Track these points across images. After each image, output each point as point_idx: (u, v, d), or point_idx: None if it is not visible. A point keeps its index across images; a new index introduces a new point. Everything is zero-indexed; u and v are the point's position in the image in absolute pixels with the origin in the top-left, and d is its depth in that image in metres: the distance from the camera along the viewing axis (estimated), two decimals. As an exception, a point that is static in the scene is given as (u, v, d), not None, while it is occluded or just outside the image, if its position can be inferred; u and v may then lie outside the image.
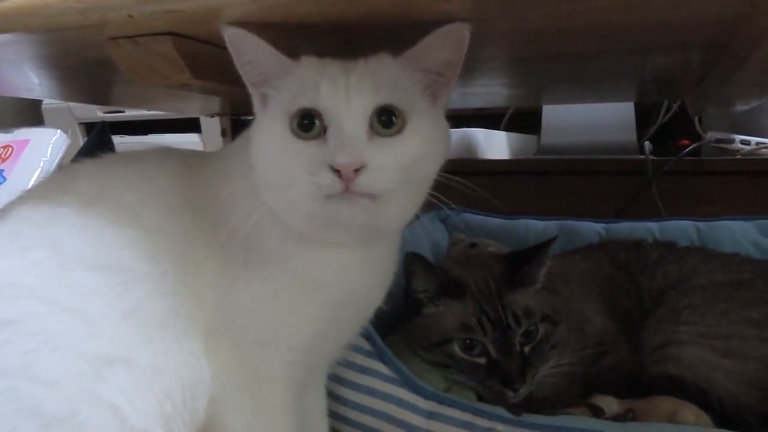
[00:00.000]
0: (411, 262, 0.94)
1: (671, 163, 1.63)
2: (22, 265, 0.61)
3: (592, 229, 1.40)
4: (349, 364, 0.87)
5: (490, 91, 1.24)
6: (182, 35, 0.69)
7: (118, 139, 1.40)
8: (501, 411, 0.80)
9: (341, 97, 0.59)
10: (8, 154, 1.64)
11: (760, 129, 1.72)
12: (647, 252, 1.17)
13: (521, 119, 2.08)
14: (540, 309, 0.94)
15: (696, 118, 1.69)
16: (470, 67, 0.66)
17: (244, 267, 0.66)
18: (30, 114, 2.39)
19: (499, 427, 0.78)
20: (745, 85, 0.89)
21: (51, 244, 0.63)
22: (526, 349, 0.91)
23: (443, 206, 0.64)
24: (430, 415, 0.81)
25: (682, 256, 1.13)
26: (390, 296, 0.76)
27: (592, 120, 1.87)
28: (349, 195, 0.57)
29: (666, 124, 1.86)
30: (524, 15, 0.64)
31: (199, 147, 2.23)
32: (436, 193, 0.67)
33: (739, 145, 1.66)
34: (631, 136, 1.86)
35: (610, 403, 0.87)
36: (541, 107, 1.94)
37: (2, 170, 1.61)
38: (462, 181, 0.65)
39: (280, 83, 0.63)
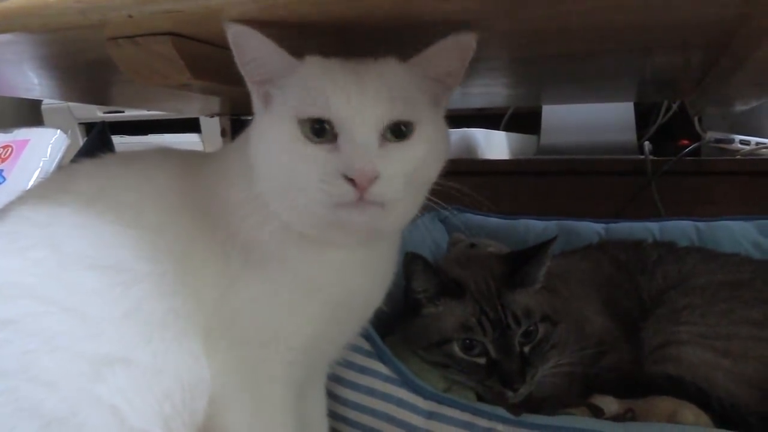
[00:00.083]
0: (411, 263, 0.94)
1: (671, 163, 1.63)
2: (22, 265, 0.61)
3: (591, 229, 1.40)
4: (349, 364, 0.87)
5: (490, 91, 1.24)
6: (182, 35, 0.69)
7: (117, 139, 1.41)
8: (501, 411, 0.80)
9: (354, 108, 0.59)
10: (8, 154, 1.64)
11: (759, 129, 1.72)
12: (647, 252, 1.17)
13: (521, 119, 2.08)
14: (540, 309, 0.94)
15: (696, 118, 1.69)
16: (470, 67, 0.66)
17: (243, 267, 0.66)
18: (30, 114, 2.39)
19: (499, 427, 0.78)
20: (744, 85, 0.89)
21: (51, 244, 0.63)
22: (526, 349, 0.91)
23: (442, 207, 0.65)
24: (430, 415, 0.81)
25: (682, 256, 1.13)
26: (389, 296, 0.76)
27: (592, 120, 1.87)
28: (362, 203, 0.58)
29: (666, 124, 1.86)
30: (524, 15, 0.64)
31: (199, 147, 2.23)
32: (433, 198, 0.68)
33: (739, 145, 1.66)
34: (630, 136, 1.86)
35: (609, 403, 0.87)
36: (540, 107, 1.94)
37: (2, 170, 1.61)
38: (455, 185, 0.66)
39: (285, 83, 0.63)
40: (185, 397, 0.64)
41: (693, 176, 1.64)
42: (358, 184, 0.57)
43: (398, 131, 0.61)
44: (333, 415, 0.85)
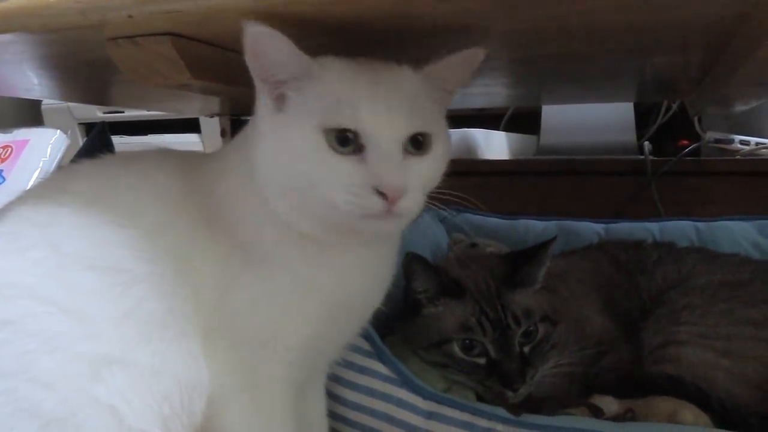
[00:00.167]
0: (411, 263, 0.94)
1: (671, 164, 1.63)
2: (22, 265, 0.61)
3: (591, 229, 1.40)
4: (349, 364, 0.87)
5: (490, 91, 1.24)
6: (182, 35, 0.69)
7: (117, 140, 1.40)
8: (500, 411, 0.80)
9: (384, 121, 0.60)
10: (8, 154, 1.64)
11: (759, 129, 1.72)
12: (647, 252, 1.17)
13: (521, 119, 2.07)
14: (539, 309, 0.94)
15: (695, 119, 1.69)
16: (470, 68, 0.66)
17: (243, 267, 0.66)
18: (29, 114, 2.39)
19: (499, 427, 0.78)
20: (744, 85, 0.89)
21: (50, 244, 0.63)
22: (526, 349, 0.91)
23: (441, 207, 0.65)
24: (429, 415, 0.81)
25: (682, 257, 1.13)
26: (388, 297, 0.76)
27: (592, 120, 1.87)
28: (389, 215, 0.59)
29: (665, 125, 1.86)
30: (524, 15, 0.64)
31: (199, 147, 2.23)
32: (432, 202, 0.68)
33: (739, 146, 1.66)
34: (630, 136, 1.86)
35: (609, 404, 0.87)
36: (540, 107, 1.94)
37: (2, 170, 1.61)
38: (449, 191, 0.66)
39: (304, 86, 0.61)
40: (184, 397, 0.64)
41: (693, 176, 1.64)
42: (389, 198, 0.57)
43: (417, 143, 0.62)
44: (332, 415, 0.85)
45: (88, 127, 2.35)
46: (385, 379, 0.85)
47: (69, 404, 0.58)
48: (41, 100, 2.35)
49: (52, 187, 0.71)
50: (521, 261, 0.97)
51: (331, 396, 0.86)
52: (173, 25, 0.65)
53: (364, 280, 0.71)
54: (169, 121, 2.22)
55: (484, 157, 1.93)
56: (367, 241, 0.68)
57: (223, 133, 1.47)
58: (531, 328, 0.92)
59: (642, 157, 1.68)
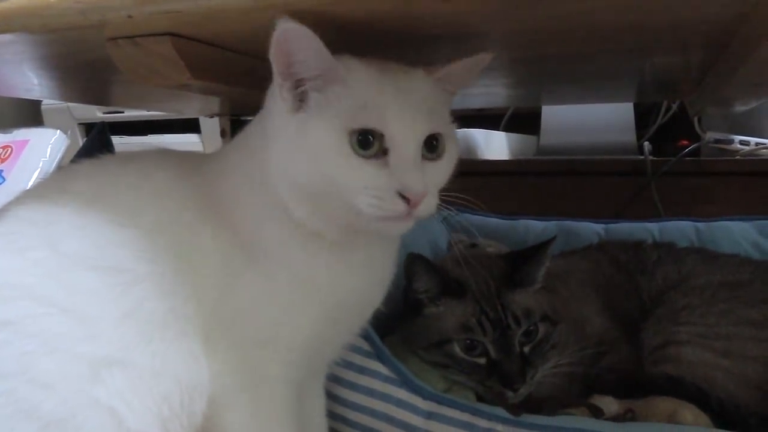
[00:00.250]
0: (413, 263, 0.94)
1: (670, 164, 1.63)
2: (21, 266, 0.61)
3: (591, 229, 1.40)
4: (348, 365, 0.87)
5: (490, 91, 1.24)
6: (182, 36, 0.69)
7: (117, 140, 1.40)
8: (500, 411, 0.80)
9: (407, 125, 0.60)
10: (7, 154, 1.64)
11: (759, 129, 1.72)
12: (647, 253, 1.17)
13: (521, 120, 2.07)
14: (539, 309, 0.94)
15: (695, 119, 1.69)
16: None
17: (244, 267, 0.66)
18: (29, 114, 2.39)
19: (499, 427, 0.78)
20: (744, 85, 0.89)
21: (50, 244, 0.63)
22: (526, 349, 0.91)
23: (445, 207, 0.66)
24: (429, 416, 0.81)
25: (682, 257, 1.13)
26: (389, 297, 0.76)
27: (592, 120, 1.87)
28: (408, 218, 0.60)
29: (665, 125, 1.86)
30: (524, 15, 0.64)
31: (199, 147, 2.23)
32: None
33: (739, 146, 1.65)
34: (630, 136, 1.86)
35: (609, 404, 0.87)
36: (540, 108, 1.94)
37: (2, 170, 1.61)
38: (450, 192, 0.67)
39: (329, 87, 0.61)
40: (184, 398, 0.64)
41: (693, 177, 1.64)
42: (411, 202, 0.59)
43: (431, 145, 0.63)
44: (332, 416, 0.85)
45: (88, 127, 2.35)
46: (385, 379, 0.85)
47: (69, 405, 0.58)
48: (41, 100, 2.35)
49: (51, 188, 0.71)
50: (521, 261, 0.97)
51: (331, 396, 0.86)
52: (173, 25, 0.65)
53: (366, 279, 0.71)
54: (169, 122, 2.22)
55: (484, 158, 1.92)
56: (371, 240, 0.68)
57: (223, 134, 1.47)
58: (531, 328, 0.92)
59: (642, 157, 1.68)
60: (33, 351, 0.58)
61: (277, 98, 0.62)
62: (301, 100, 0.61)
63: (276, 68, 0.60)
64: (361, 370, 0.87)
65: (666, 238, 1.28)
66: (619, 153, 1.80)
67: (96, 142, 1.30)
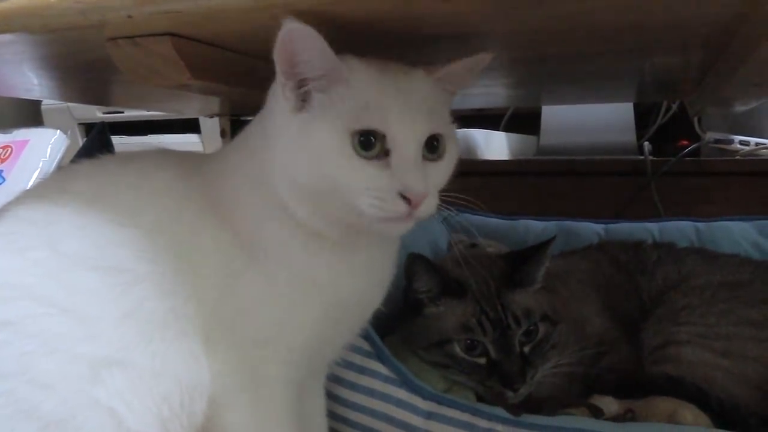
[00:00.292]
0: (413, 263, 0.94)
1: (670, 164, 1.63)
2: (21, 266, 0.61)
3: (591, 229, 1.40)
4: (348, 365, 0.87)
5: (490, 91, 1.24)
6: (182, 36, 0.68)
7: (117, 140, 1.40)
8: (500, 411, 0.80)
9: (409, 126, 0.61)
10: (7, 154, 1.64)
11: (759, 129, 1.72)
12: (647, 253, 1.17)
13: (520, 120, 2.07)
14: (539, 309, 0.94)
15: (695, 119, 1.69)
16: (470, 68, 0.67)
17: (245, 267, 0.66)
18: (29, 114, 2.39)
19: (499, 427, 0.78)
20: (744, 85, 0.89)
21: (50, 244, 0.62)
22: (526, 349, 0.91)
23: (445, 207, 0.66)
24: (429, 416, 0.81)
25: (682, 257, 1.13)
26: (389, 297, 0.76)
27: (592, 121, 1.87)
28: (409, 218, 0.60)
29: (665, 125, 1.86)
30: (524, 15, 0.64)
31: (199, 147, 2.23)
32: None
33: (738, 146, 1.65)
34: (630, 136, 1.86)
35: (609, 404, 0.87)
36: (540, 108, 1.94)
37: (1, 171, 1.61)
38: (449, 192, 0.67)
39: (332, 88, 0.61)
40: (184, 398, 0.64)
41: (692, 177, 1.64)
42: (413, 203, 0.59)
43: (432, 146, 0.63)
44: (332, 416, 0.85)
45: (88, 128, 2.35)
46: (385, 379, 0.85)
47: (68, 406, 0.58)
48: (41, 100, 2.35)
49: (51, 188, 0.71)
50: (520, 261, 0.97)
51: (331, 396, 0.86)
52: (173, 25, 0.65)
53: (366, 280, 0.71)
54: (168, 122, 2.22)
55: (484, 158, 1.92)
56: (372, 241, 0.68)
57: (222, 134, 1.47)
58: (531, 328, 0.92)
59: (642, 157, 1.68)
60: (33, 351, 0.58)
61: (280, 97, 0.62)
62: (303, 100, 0.61)
63: (279, 67, 0.60)
64: (361, 370, 0.87)
65: (666, 238, 1.28)
66: (619, 153, 1.80)
67: (96, 142, 1.30)
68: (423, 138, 0.62)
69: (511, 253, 1.08)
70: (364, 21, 0.64)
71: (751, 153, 1.65)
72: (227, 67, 0.77)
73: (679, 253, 1.15)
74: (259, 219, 0.67)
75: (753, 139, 1.65)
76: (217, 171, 0.71)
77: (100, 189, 0.68)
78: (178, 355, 0.63)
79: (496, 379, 0.89)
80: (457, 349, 0.91)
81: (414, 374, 0.86)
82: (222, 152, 0.77)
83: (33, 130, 1.71)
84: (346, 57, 0.62)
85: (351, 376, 0.87)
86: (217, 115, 1.44)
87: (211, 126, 2.14)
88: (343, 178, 0.59)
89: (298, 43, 0.57)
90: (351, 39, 0.65)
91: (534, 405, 0.87)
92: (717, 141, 1.67)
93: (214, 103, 1.20)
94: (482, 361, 0.90)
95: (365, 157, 0.60)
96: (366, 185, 0.59)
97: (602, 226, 1.41)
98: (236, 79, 0.80)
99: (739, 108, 1.22)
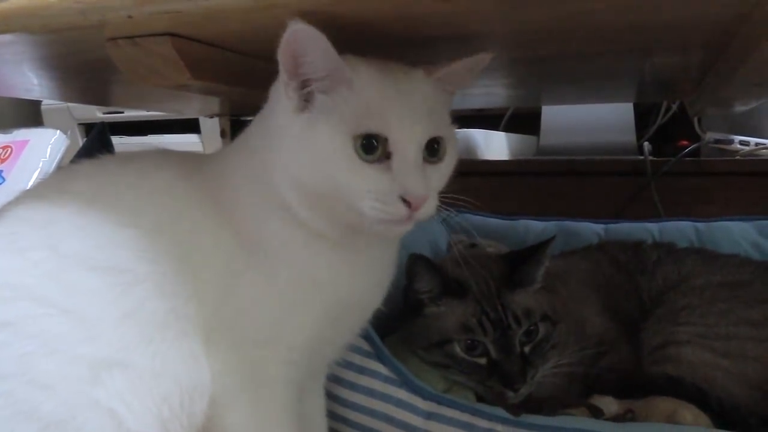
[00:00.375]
0: (414, 264, 0.94)
1: (670, 164, 1.63)
2: (21, 266, 0.61)
3: (591, 229, 1.40)
4: (348, 365, 0.87)
5: (490, 91, 1.24)
6: (182, 36, 0.68)
7: (117, 140, 1.40)
8: (500, 411, 0.80)
9: (410, 129, 0.61)
10: (7, 154, 1.64)
11: (759, 130, 1.72)
12: (646, 253, 1.17)
13: (520, 120, 2.07)
14: (539, 309, 0.94)
15: (695, 119, 1.69)
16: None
17: (246, 266, 0.66)
18: (29, 114, 2.39)
19: (499, 427, 0.78)
20: (744, 85, 0.89)
21: (50, 244, 0.62)
22: (526, 349, 0.91)
23: (445, 207, 0.66)
24: (429, 416, 0.81)
25: (681, 257, 1.13)
26: (389, 297, 0.76)
27: (592, 121, 1.87)
28: (409, 220, 0.61)
29: (665, 125, 1.86)
30: (524, 16, 0.64)
31: (199, 148, 2.23)
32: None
33: (738, 146, 1.66)
34: (630, 136, 1.86)
35: (609, 404, 0.87)
36: (540, 108, 1.94)
37: (1, 171, 1.61)
38: (448, 194, 0.68)
39: (334, 88, 0.61)
40: (184, 398, 0.64)
41: (692, 177, 1.64)
42: (413, 205, 0.59)
43: (432, 148, 0.63)
44: (332, 416, 0.85)
45: (88, 128, 2.35)
46: (385, 379, 0.85)
47: (68, 406, 0.58)
48: (41, 101, 2.35)
49: (51, 188, 0.71)
50: (520, 261, 0.97)
51: (331, 396, 0.86)
52: (173, 25, 0.65)
53: (366, 279, 0.72)
54: (168, 122, 2.22)
55: (484, 158, 1.92)
56: (372, 241, 0.68)
57: (222, 134, 1.47)
58: (531, 328, 0.92)
59: (642, 157, 1.68)
60: (33, 352, 0.58)
61: (282, 97, 0.62)
62: (306, 100, 0.62)
63: (283, 67, 0.60)
64: (361, 371, 0.87)
65: (666, 238, 1.28)
66: (619, 153, 1.80)
67: (96, 142, 1.30)
68: (424, 141, 0.62)
69: (510, 253, 1.08)
70: (364, 21, 0.64)
71: (751, 153, 1.65)
72: (227, 67, 0.77)
73: (679, 254, 1.15)
74: (259, 219, 0.67)
75: (753, 139, 1.65)
76: (218, 171, 0.70)
77: (100, 189, 0.68)
78: (178, 355, 0.63)
79: (497, 379, 0.89)
80: (458, 349, 0.91)
81: (414, 374, 0.86)
82: (222, 152, 0.77)
83: (33, 130, 1.71)
84: (348, 57, 0.62)
85: (351, 376, 0.87)
86: (217, 115, 1.44)
87: (211, 126, 2.14)
88: (344, 181, 0.60)
89: (303, 44, 0.58)
90: (351, 39, 0.65)
91: (534, 405, 0.87)
92: (717, 141, 1.67)
93: (214, 103, 1.20)
94: (482, 361, 0.90)
95: (367, 161, 0.60)
96: (368, 188, 0.60)
97: (602, 226, 1.41)
98: (236, 79, 0.80)
99: (739, 108, 1.22)
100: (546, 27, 0.69)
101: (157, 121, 2.25)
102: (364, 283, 0.71)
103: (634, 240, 1.23)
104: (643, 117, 1.90)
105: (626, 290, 1.11)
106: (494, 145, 1.99)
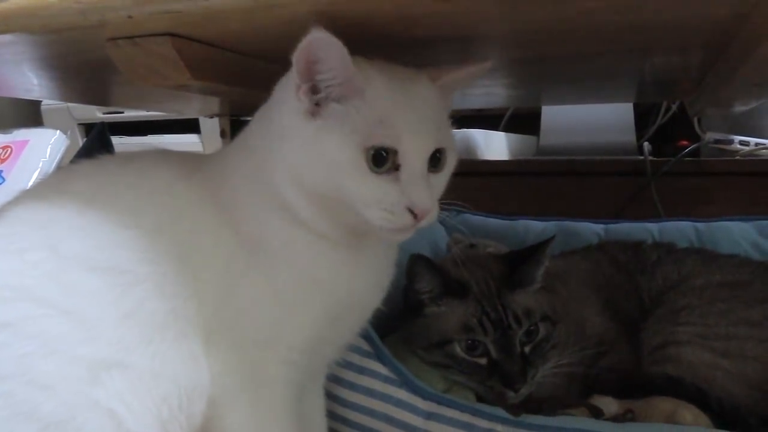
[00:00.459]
0: (415, 264, 0.94)
1: (670, 164, 1.63)
2: (20, 267, 0.61)
3: (591, 229, 1.40)
4: (348, 365, 0.87)
5: (490, 91, 1.24)
6: (181, 36, 0.68)
7: (117, 140, 1.40)
8: (500, 411, 0.80)
9: (419, 142, 0.62)
10: (7, 154, 1.64)
11: (759, 130, 1.72)
12: (646, 253, 1.17)
13: (520, 120, 2.07)
14: (539, 309, 0.94)
15: (695, 119, 1.69)
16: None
17: (246, 266, 0.66)
18: (29, 114, 2.39)
19: (499, 427, 0.78)
20: (744, 85, 0.89)
21: (49, 245, 0.62)
22: (527, 349, 0.91)
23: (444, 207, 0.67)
24: (429, 416, 0.81)
25: (681, 257, 1.13)
26: (388, 297, 0.76)
27: (592, 121, 1.87)
28: (413, 228, 0.63)
29: (665, 125, 1.86)
30: (524, 16, 0.64)
31: (199, 148, 2.23)
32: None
33: (738, 146, 1.65)
34: (630, 136, 1.86)
35: (609, 404, 0.87)
36: (540, 108, 1.94)
37: (1, 171, 1.61)
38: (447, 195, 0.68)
39: (348, 99, 0.61)
40: (183, 399, 0.64)
41: (692, 177, 1.64)
42: (419, 216, 0.61)
43: (434, 158, 0.64)
44: (332, 416, 0.85)
45: (88, 128, 2.35)
46: (385, 379, 0.85)
47: (68, 407, 0.58)
48: (41, 101, 2.35)
49: (50, 188, 0.71)
50: (519, 261, 0.97)
51: (331, 396, 0.86)
52: (173, 25, 0.65)
53: (367, 280, 0.72)
54: (168, 122, 2.22)
55: (484, 158, 1.92)
56: (373, 242, 0.69)
57: (222, 134, 1.47)
58: (532, 328, 0.92)
59: (642, 157, 1.68)
60: (32, 352, 0.58)
61: (290, 98, 0.62)
62: (317, 105, 0.62)
63: (297, 70, 0.60)
64: (361, 371, 0.87)
65: (666, 238, 1.28)
66: (619, 153, 1.80)
67: (96, 142, 1.30)
68: (430, 153, 0.63)
69: (510, 253, 1.08)
70: (365, 21, 0.63)
71: (751, 153, 1.65)
72: (227, 67, 0.77)
73: (678, 254, 1.15)
74: (259, 218, 0.67)
75: (753, 139, 1.65)
76: (218, 170, 0.70)
77: (100, 189, 0.68)
78: (177, 356, 0.63)
79: (497, 379, 0.89)
80: (458, 350, 0.91)
81: (414, 374, 0.86)
82: (222, 152, 0.77)
83: (33, 130, 1.71)
84: (358, 61, 0.62)
85: (350, 376, 0.87)
86: (217, 115, 1.44)
87: (211, 126, 2.14)
88: (354, 190, 0.60)
89: (322, 52, 0.58)
90: (351, 39, 0.65)
91: (534, 405, 0.87)
92: (717, 141, 1.67)
93: (214, 103, 1.20)
94: (483, 361, 0.90)
95: (376, 172, 0.61)
96: (377, 199, 0.61)
97: (602, 226, 1.40)
98: (236, 79, 0.80)
99: (739, 108, 1.22)
100: (546, 27, 0.69)
101: (157, 121, 2.25)
102: (364, 283, 0.71)
103: (634, 240, 1.23)
104: (643, 117, 1.90)
105: (626, 290, 1.11)
106: (494, 145, 1.99)
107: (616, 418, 0.84)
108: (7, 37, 0.69)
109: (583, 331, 1.02)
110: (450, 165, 0.67)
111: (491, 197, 1.50)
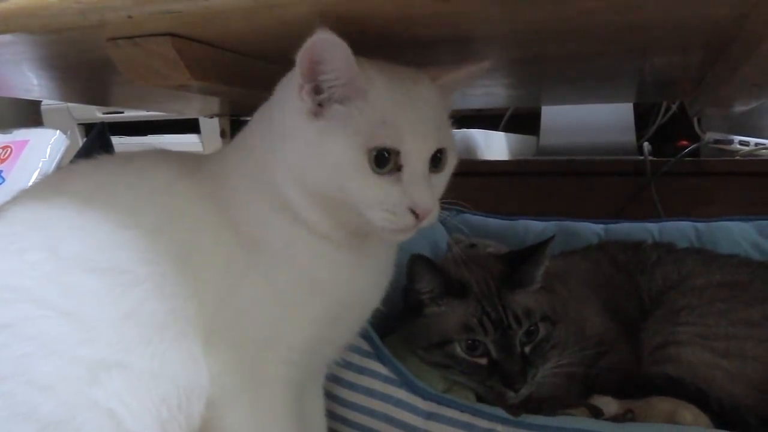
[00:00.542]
0: (415, 264, 0.94)
1: (670, 164, 1.63)
2: (19, 268, 0.61)
3: (591, 229, 1.39)
4: (348, 365, 0.87)
5: (490, 91, 1.24)
6: (181, 36, 0.68)
7: (116, 140, 1.40)
8: (500, 411, 0.80)
9: (421, 143, 0.62)
10: (7, 154, 1.64)
11: (759, 130, 1.71)
12: (646, 253, 1.17)
13: (520, 120, 2.07)
14: (539, 309, 0.94)
15: (695, 119, 1.69)
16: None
17: (246, 266, 0.66)
18: (29, 114, 2.39)
19: (499, 427, 0.78)
20: (744, 85, 0.89)
21: (48, 245, 0.62)
22: (527, 349, 0.91)
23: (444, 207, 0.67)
24: (429, 416, 0.81)
25: (681, 257, 1.13)
26: (388, 297, 0.76)
27: (591, 121, 1.87)
28: (414, 228, 0.63)
29: (665, 125, 1.86)
30: (524, 16, 0.65)
31: (199, 148, 2.23)
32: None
33: (738, 146, 1.65)
34: (630, 136, 1.86)
35: (609, 404, 0.87)
36: (540, 108, 1.94)
37: (1, 171, 1.61)
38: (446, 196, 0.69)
39: (350, 100, 0.61)
40: (182, 400, 0.64)
41: (692, 177, 1.64)
42: (421, 216, 0.61)
43: (435, 158, 0.64)
44: (332, 416, 0.85)
45: (88, 128, 2.35)
46: (385, 379, 0.85)
47: (67, 407, 0.58)
48: (41, 101, 2.35)
49: (50, 188, 0.71)
50: (519, 261, 0.97)
51: (330, 396, 0.86)
52: (173, 25, 0.65)
53: (367, 280, 0.72)
54: (168, 122, 2.22)
55: (484, 158, 1.92)
56: (373, 242, 0.69)
57: (222, 134, 1.47)
58: (532, 328, 0.92)
59: (641, 157, 1.68)
60: (31, 353, 0.58)
61: (293, 98, 0.62)
62: (320, 105, 0.62)
63: (301, 70, 0.60)
64: (361, 371, 0.87)
65: (666, 238, 1.28)
66: (619, 153, 1.80)
67: (96, 142, 1.30)
68: (431, 153, 0.63)
69: (510, 253, 1.08)
70: (365, 22, 0.63)
71: (751, 153, 1.65)
72: (227, 68, 0.77)
73: (678, 254, 1.15)
74: (259, 218, 0.67)
75: (753, 139, 1.65)
76: (217, 170, 0.70)
77: (99, 189, 0.68)
78: (177, 356, 0.63)
79: (497, 379, 0.89)
80: (458, 350, 0.91)
81: (414, 374, 0.86)
82: (222, 151, 0.77)
83: (33, 130, 1.71)
84: (361, 62, 0.61)
85: (350, 376, 0.87)
86: (217, 115, 1.44)
87: (211, 126, 2.13)
88: (356, 191, 0.61)
89: (326, 53, 0.58)
90: (351, 40, 0.65)
91: (534, 405, 0.87)
92: (717, 141, 1.67)
93: (214, 104, 1.20)
94: (483, 361, 0.90)
95: (379, 173, 0.61)
96: (379, 200, 0.61)
97: (602, 226, 1.40)
98: (236, 80, 0.80)
99: (739, 108, 1.22)
100: (546, 27, 0.69)
101: (157, 121, 2.25)
102: (365, 284, 0.72)
103: (634, 240, 1.23)
104: (643, 117, 1.90)
105: (626, 290, 1.11)
106: (494, 146, 1.99)
107: (616, 418, 0.84)
108: (7, 37, 0.69)
109: (583, 331, 1.02)
110: (450, 165, 0.68)
111: (491, 197, 1.50)
